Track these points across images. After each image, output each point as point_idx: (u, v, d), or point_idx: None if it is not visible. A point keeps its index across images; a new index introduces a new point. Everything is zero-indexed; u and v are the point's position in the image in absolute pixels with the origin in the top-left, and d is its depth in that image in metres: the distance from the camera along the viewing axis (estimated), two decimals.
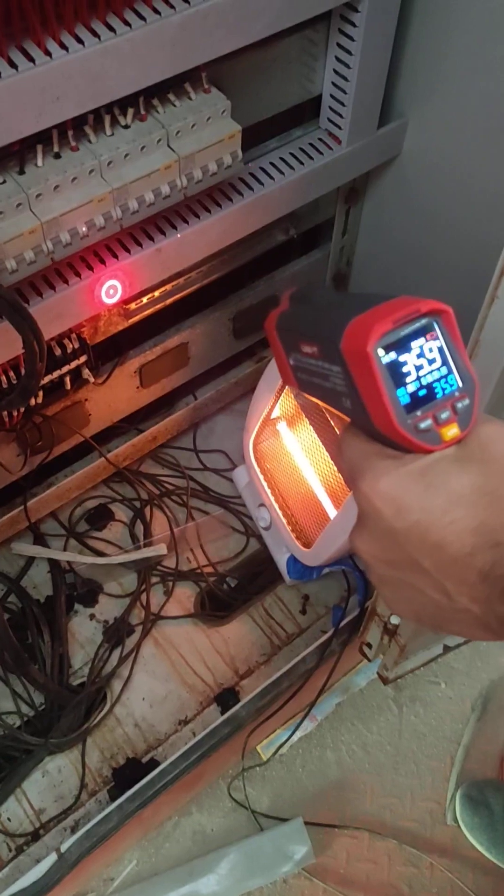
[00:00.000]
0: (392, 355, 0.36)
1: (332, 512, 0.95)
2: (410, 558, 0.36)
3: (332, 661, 0.95)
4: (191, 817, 1.08)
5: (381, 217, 1.03)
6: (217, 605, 1.07)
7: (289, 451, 1.01)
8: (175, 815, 1.08)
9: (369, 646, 0.91)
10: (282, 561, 1.04)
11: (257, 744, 1.10)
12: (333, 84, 0.83)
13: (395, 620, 0.82)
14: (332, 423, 0.94)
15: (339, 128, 0.86)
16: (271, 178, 0.84)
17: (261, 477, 1.03)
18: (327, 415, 0.94)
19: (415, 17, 0.80)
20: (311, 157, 0.86)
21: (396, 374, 0.36)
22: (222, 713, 0.97)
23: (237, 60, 0.73)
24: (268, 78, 0.80)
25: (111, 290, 0.76)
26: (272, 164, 0.85)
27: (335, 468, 0.94)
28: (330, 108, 0.86)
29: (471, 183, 0.87)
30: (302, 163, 0.85)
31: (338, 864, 1.06)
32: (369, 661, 0.93)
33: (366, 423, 0.38)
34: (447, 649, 0.95)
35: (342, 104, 0.84)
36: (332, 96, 0.84)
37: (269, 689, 0.90)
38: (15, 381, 0.79)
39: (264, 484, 1.03)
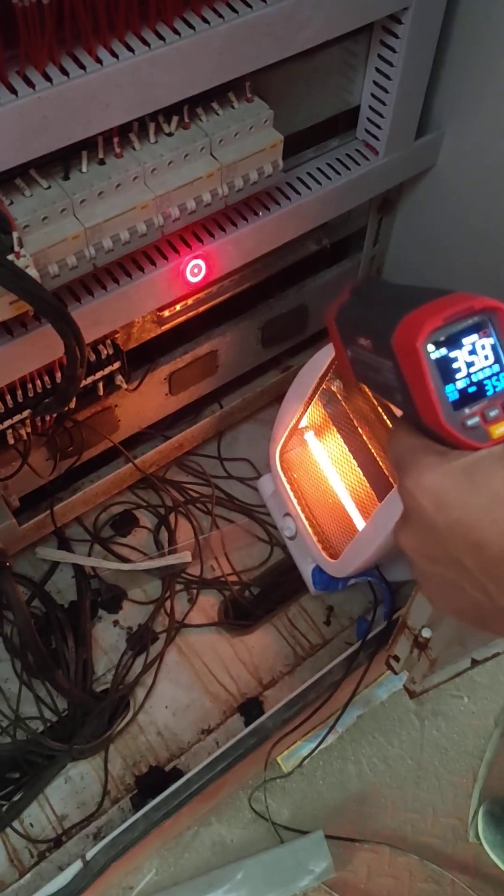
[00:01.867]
0: (442, 351, 0.36)
1: (360, 524, 0.94)
2: (452, 556, 0.36)
3: (359, 674, 0.94)
4: (210, 828, 1.07)
5: (413, 227, 1.03)
6: (241, 613, 1.06)
7: (316, 462, 1.01)
8: (195, 825, 1.07)
9: (397, 659, 0.90)
10: (307, 571, 1.04)
11: (278, 755, 1.09)
12: (373, 95, 0.83)
13: (426, 634, 0.81)
14: (363, 434, 0.93)
15: (377, 139, 0.86)
16: (308, 188, 0.84)
17: (287, 486, 1.02)
18: (357, 424, 0.94)
19: (455, 30, 0.80)
20: (347, 168, 0.86)
21: (446, 370, 0.36)
22: (246, 723, 0.96)
23: (280, 70, 0.73)
24: (308, 88, 0.80)
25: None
26: (309, 174, 0.85)
27: (365, 480, 0.94)
28: (368, 119, 0.86)
29: None
30: (339, 173, 0.85)
31: (358, 880, 1.05)
32: (396, 674, 0.93)
33: (415, 419, 0.38)
34: (475, 663, 0.94)
35: (381, 115, 0.84)
36: (370, 107, 0.85)
37: (297, 700, 0.90)
38: (48, 387, 0.79)
39: (290, 493, 1.02)
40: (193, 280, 0.79)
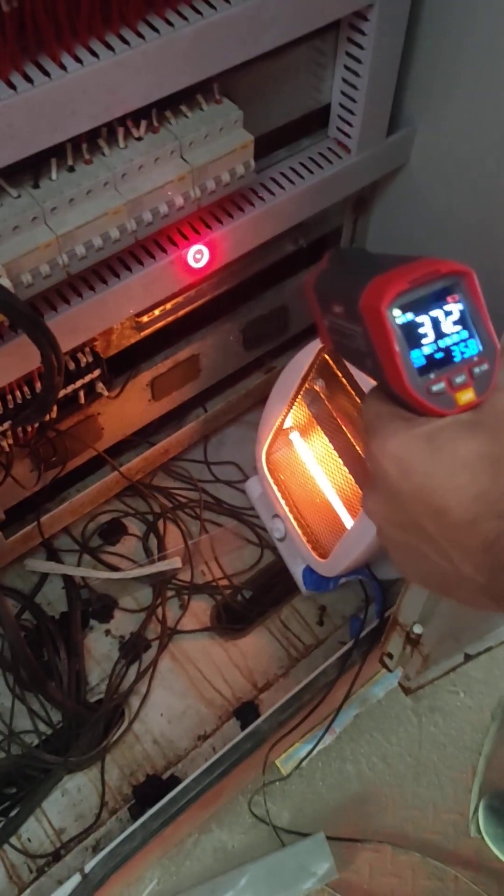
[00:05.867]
0: (409, 316, 0.36)
1: (348, 522, 0.94)
2: (415, 522, 0.36)
3: (353, 673, 0.94)
4: (211, 834, 1.07)
5: (389, 225, 1.03)
6: (233, 617, 1.06)
7: (302, 461, 1.01)
8: (195, 832, 1.06)
9: (390, 656, 0.89)
10: (297, 572, 1.03)
11: (276, 758, 1.09)
12: (342, 93, 0.83)
13: (417, 630, 0.81)
14: (347, 432, 0.93)
15: (349, 136, 0.86)
16: (282, 187, 0.84)
17: (274, 488, 1.02)
18: (341, 422, 0.93)
19: (423, 25, 0.80)
20: (320, 167, 0.86)
21: (412, 335, 0.36)
22: (242, 727, 0.96)
23: (248, 71, 0.73)
24: (277, 88, 0.80)
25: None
26: (282, 173, 0.85)
27: (350, 477, 0.94)
28: (339, 116, 0.86)
29: (479, 191, 0.87)
30: (312, 172, 0.85)
31: (361, 880, 1.05)
32: (390, 671, 0.92)
33: (385, 385, 0.38)
34: (468, 658, 0.94)
35: (352, 113, 0.84)
36: (341, 105, 0.85)
37: (291, 702, 0.89)
38: (28, 397, 0.79)
39: (278, 494, 1.02)
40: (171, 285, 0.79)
